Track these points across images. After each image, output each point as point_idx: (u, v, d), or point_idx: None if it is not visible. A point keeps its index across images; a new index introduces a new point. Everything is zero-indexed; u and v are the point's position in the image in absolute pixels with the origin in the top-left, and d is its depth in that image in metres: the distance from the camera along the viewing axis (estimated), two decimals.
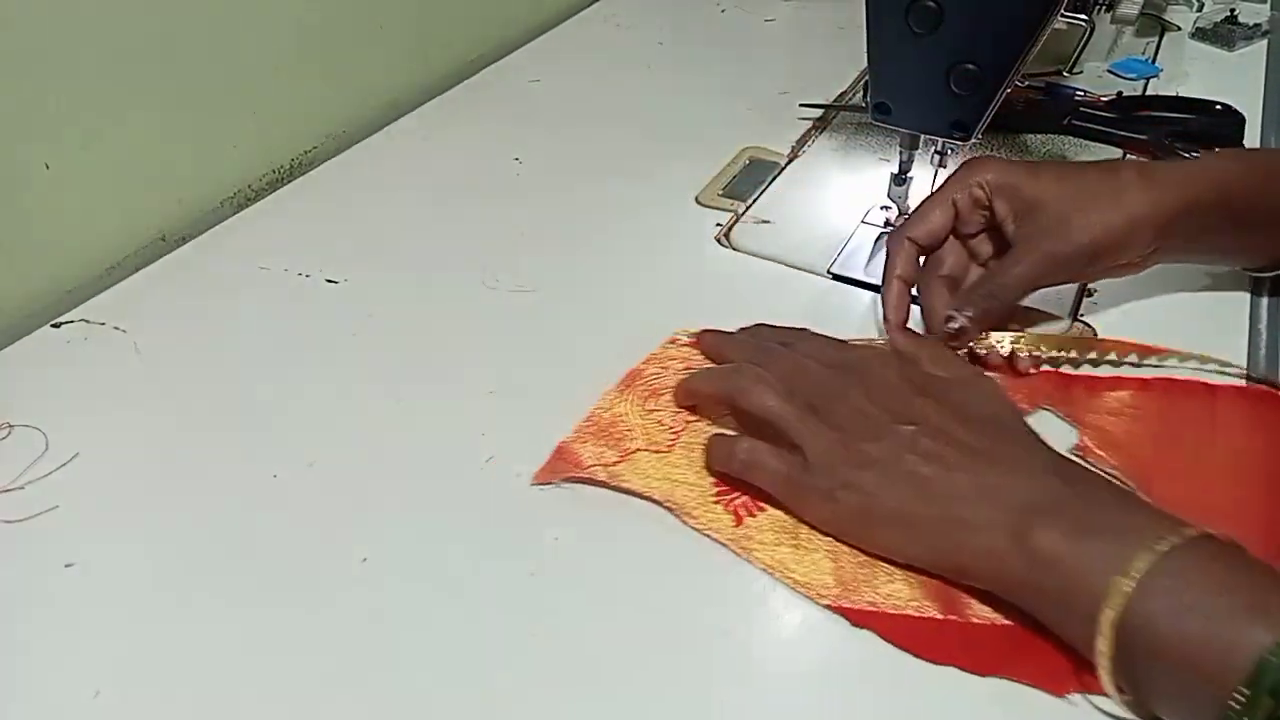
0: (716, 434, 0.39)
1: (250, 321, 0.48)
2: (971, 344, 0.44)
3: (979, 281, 0.45)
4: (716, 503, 0.37)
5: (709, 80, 0.72)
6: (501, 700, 0.31)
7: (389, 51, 0.68)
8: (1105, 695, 0.30)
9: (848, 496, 0.35)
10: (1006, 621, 0.33)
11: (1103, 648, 0.29)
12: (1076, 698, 0.31)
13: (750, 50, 0.78)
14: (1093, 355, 0.44)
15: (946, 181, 0.46)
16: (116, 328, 0.47)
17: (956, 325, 0.43)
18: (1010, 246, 0.44)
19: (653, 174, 0.60)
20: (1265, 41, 0.77)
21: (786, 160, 0.62)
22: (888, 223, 0.55)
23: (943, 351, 0.42)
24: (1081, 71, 0.72)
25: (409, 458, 0.40)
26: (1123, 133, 0.62)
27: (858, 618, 0.33)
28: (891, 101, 0.48)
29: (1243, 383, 0.43)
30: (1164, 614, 0.29)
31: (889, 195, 0.53)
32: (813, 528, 0.36)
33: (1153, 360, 0.44)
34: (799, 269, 0.52)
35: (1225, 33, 0.77)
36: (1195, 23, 0.79)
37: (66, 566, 0.35)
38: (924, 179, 0.53)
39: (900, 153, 0.51)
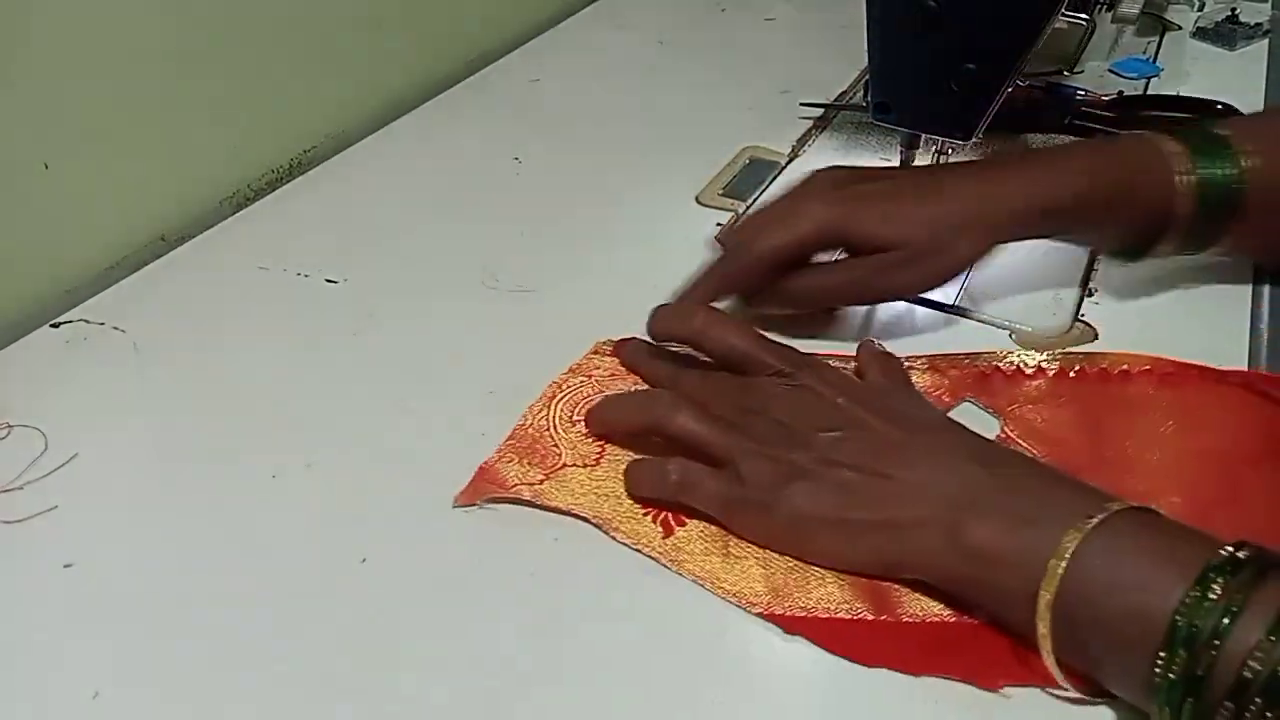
0: (640, 459, 0.39)
1: (250, 321, 0.48)
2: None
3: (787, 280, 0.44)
4: (645, 514, 0.37)
5: (709, 80, 0.72)
6: (502, 700, 0.31)
7: (389, 51, 0.68)
8: (1039, 686, 0.31)
9: (782, 509, 0.35)
10: (939, 618, 0.33)
11: (1043, 630, 0.29)
12: (1014, 690, 0.31)
13: (750, 50, 0.78)
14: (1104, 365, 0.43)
15: (780, 229, 0.43)
16: (116, 328, 0.47)
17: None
18: None
19: (653, 174, 0.60)
20: (1266, 41, 0.77)
21: (787, 160, 0.62)
22: None
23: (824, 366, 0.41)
24: (1082, 71, 0.72)
25: (409, 458, 0.40)
26: (1124, 132, 0.62)
27: (790, 625, 0.33)
28: (892, 101, 0.48)
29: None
30: (1096, 589, 0.29)
31: None
32: (741, 538, 0.36)
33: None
34: None
35: (1226, 32, 0.77)
36: (1196, 22, 0.79)
37: (66, 566, 0.35)
38: None
39: (901, 152, 0.51)
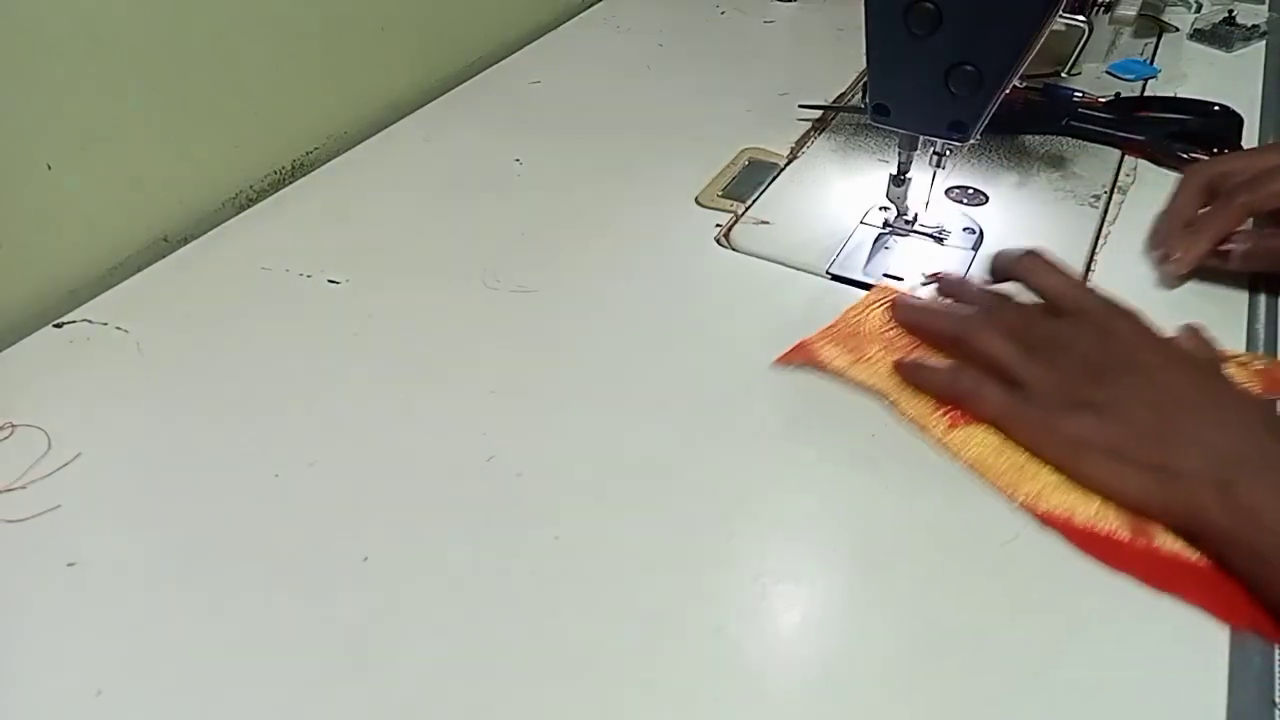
0: (936, 361, 0.43)
1: (252, 322, 0.48)
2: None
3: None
4: (935, 410, 0.41)
5: (709, 81, 0.72)
6: (501, 700, 0.31)
7: (390, 53, 0.69)
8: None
9: (1065, 428, 0.38)
10: (1192, 559, 0.35)
11: None
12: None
13: (750, 51, 0.78)
14: None
15: None
16: (118, 328, 0.47)
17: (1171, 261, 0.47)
18: None
19: (653, 174, 0.60)
20: (1263, 43, 0.77)
21: (786, 161, 0.62)
22: (886, 223, 0.55)
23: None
24: (1080, 72, 0.72)
25: (409, 458, 0.40)
26: (1121, 134, 0.62)
27: (1046, 519, 0.36)
28: (890, 103, 0.48)
29: None
30: None
31: (888, 196, 0.54)
32: (1015, 445, 0.39)
33: None
34: (798, 269, 0.52)
35: (1223, 34, 0.77)
36: (1193, 24, 0.80)
37: (68, 566, 0.35)
38: (922, 180, 0.53)
39: (899, 154, 0.51)
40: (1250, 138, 0.62)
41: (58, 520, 0.37)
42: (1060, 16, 0.64)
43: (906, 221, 0.55)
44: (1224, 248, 0.48)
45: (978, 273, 0.48)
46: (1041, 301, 0.43)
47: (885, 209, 0.56)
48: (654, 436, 0.41)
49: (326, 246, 0.53)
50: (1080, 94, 0.67)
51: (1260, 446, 0.35)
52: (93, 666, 0.32)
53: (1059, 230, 0.54)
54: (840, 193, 0.59)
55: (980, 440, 0.40)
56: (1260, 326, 0.47)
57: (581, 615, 0.34)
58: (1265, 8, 0.82)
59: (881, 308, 0.47)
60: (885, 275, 0.51)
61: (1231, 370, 0.43)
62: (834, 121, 0.67)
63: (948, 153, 0.51)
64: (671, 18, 0.83)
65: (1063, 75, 0.71)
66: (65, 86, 0.49)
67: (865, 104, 0.49)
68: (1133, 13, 0.69)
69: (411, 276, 0.51)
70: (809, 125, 0.66)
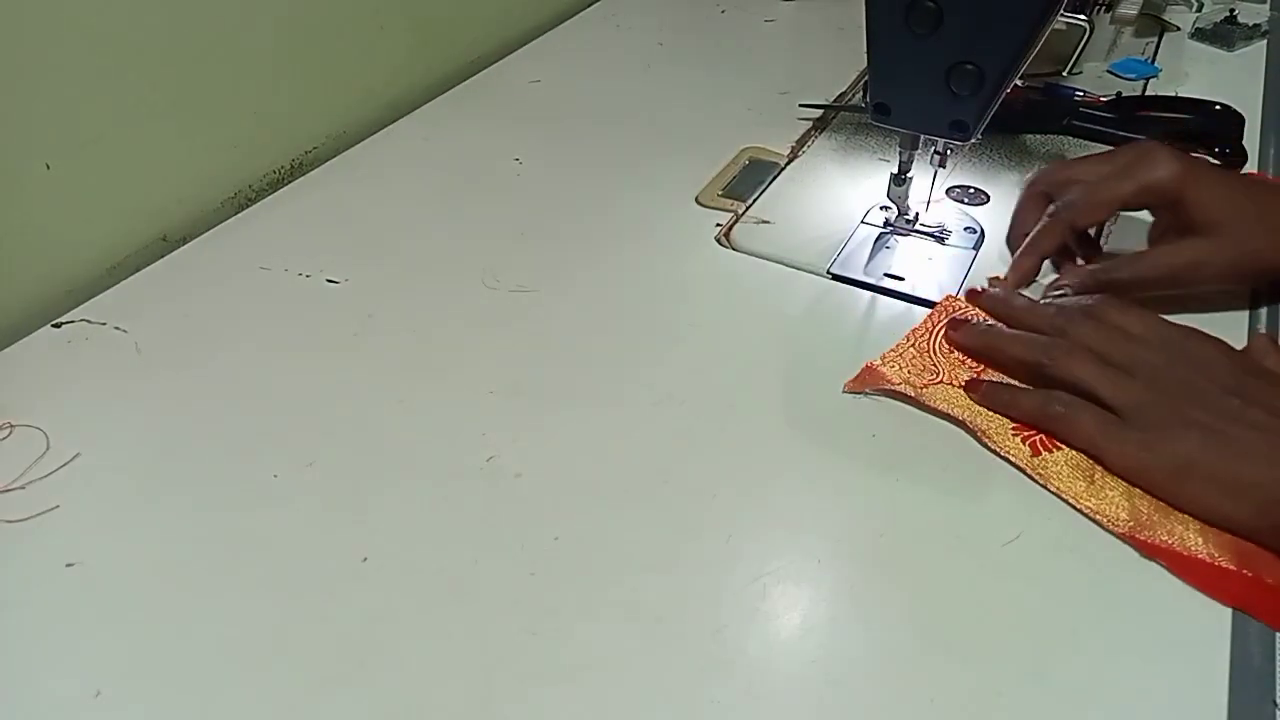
0: (1017, 384, 0.42)
1: (251, 321, 0.48)
2: None
3: (1106, 267, 0.47)
4: (1016, 434, 0.40)
5: (709, 80, 0.72)
6: (501, 700, 0.31)
7: (389, 52, 0.68)
8: None
9: (1168, 449, 0.37)
10: None
11: None
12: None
13: (750, 50, 0.78)
14: None
15: (1115, 171, 0.47)
16: (117, 328, 0.47)
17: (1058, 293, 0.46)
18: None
19: (653, 174, 0.60)
20: (1265, 42, 0.77)
21: (786, 160, 0.62)
22: (887, 223, 0.55)
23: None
24: (1081, 72, 0.72)
25: (409, 458, 0.40)
26: (1122, 133, 0.62)
27: (1149, 550, 0.35)
28: (891, 102, 0.48)
29: None
30: None
31: (889, 195, 0.53)
32: (1108, 470, 0.38)
33: None
34: (799, 269, 0.52)
35: (1225, 33, 0.77)
36: (1195, 23, 0.79)
37: (67, 566, 0.35)
38: (923, 179, 0.53)
39: (900, 153, 0.51)
40: (1252, 137, 0.62)
41: (56, 520, 0.37)
42: (1061, 16, 0.63)
43: (907, 221, 0.55)
44: (1068, 285, 0.47)
45: (1020, 287, 0.48)
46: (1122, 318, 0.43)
47: (886, 208, 0.56)
48: (654, 436, 0.41)
49: (326, 246, 0.53)
50: (1081, 93, 0.67)
51: None
52: (92, 666, 0.32)
53: None
54: (841, 192, 0.59)
55: (1069, 466, 0.39)
56: (1261, 327, 0.47)
57: (581, 615, 0.34)
58: (1267, 7, 0.82)
59: (944, 331, 0.46)
60: (886, 275, 0.51)
61: None
62: (834, 121, 0.67)
63: (949, 152, 0.51)
64: (671, 17, 0.83)
65: (1064, 74, 0.71)
66: (65, 86, 0.49)
67: (866, 103, 0.49)
68: (1134, 12, 0.69)
69: (411, 276, 0.51)
70: (809, 124, 0.66)
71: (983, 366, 0.44)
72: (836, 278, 0.52)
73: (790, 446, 0.41)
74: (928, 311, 0.48)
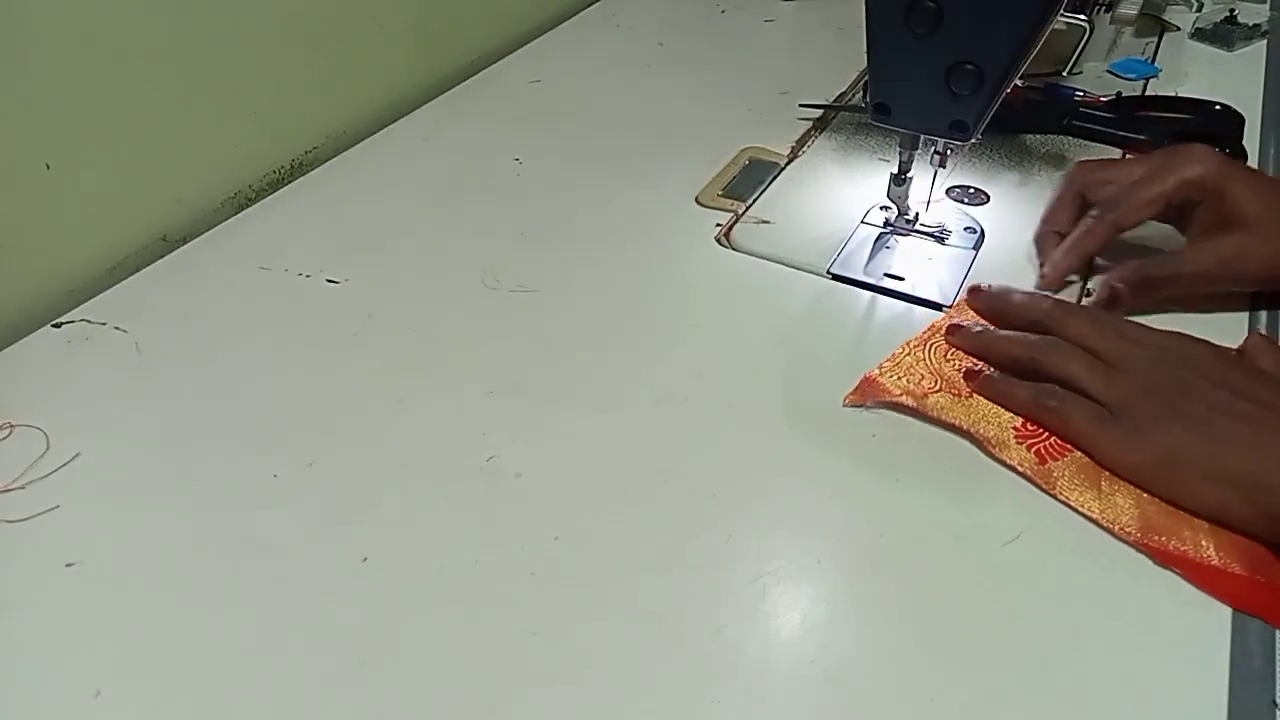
0: (1013, 380, 0.42)
1: (251, 321, 0.48)
2: None
3: (1153, 263, 0.47)
4: (1020, 442, 0.40)
5: (709, 80, 0.72)
6: (501, 700, 0.31)
7: (389, 52, 0.68)
8: None
9: (1155, 442, 0.37)
10: None
11: None
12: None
13: (750, 50, 0.78)
14: None
15: (1154, 169, 0.47)
16: (117, 328, 0.47)
17: (1106, 294, 0.46)
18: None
19: (653, 174, 0.60)
20: (1265, 42, 0.77)
21: (786, 160, 0.62)
22: (887, 223, 0.55)
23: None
24: (1081, 72, 0.72)
25: (409, 458, 0.40)
26: (1122, 133, 0.62)
27: (1162, 558, 0.35)
28: (891, 102, 0.48)
29: None
30: None
31: (889, 195, 0.53)
32: (1114, 475, 0.38)
33: None
34: (799, 269, 0.52)
35: (1225, 33, 0.77)
36: (1195, 23, 0.79)
37: (67, 566, 0.35)
38: (923, 179, 0.53)
39: (900, 153, 0.51)
40: (1252, 137, 0.62)
41: (57, 520, 0.37)
42: (1061, 15, 0.63)
43: (907, 221, 0.55)
44: (1110, 282, 0.47)
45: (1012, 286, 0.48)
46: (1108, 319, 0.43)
47: (886, 208, 0.56)
48: (653, 436, 0.41)
49: (326, 246, 0.53)
50: (1081, 93, 0.67)
51: None
52: (92, 666, 0.32)
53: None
54: (841, 192, 0.59)
55: (1077, 475, 0.39)
56: (1261, 328, 0.47)
57: (581, 615, 0.34)
58: (1266, 7, 0.82)
59: (938, 342, 0.46)
60: (886, 275, 0.51)
61: None
62: (834, 121, 0.67)
63: (949, 152, 0.51)
64: (671, 17, 0.83)
65: (1064, 74, 0.71)
66: (65, 86, 0.49)
67: (866, 103, 0.49)
68: (1134, 12, 0.69)
69: (411, 276, 0.51)
70: (809, 124, 0.66)
71: (980, 367, 0.44)
72: (836, 278, 0.52)
73: (790, 446, 0.41)
74: (927, 312, 0.48)
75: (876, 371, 0.44)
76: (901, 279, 0.51)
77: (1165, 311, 0.47)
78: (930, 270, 0.52)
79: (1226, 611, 0.34)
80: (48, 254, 0.50)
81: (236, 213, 0.56)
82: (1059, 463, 0.39)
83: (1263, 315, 0.48)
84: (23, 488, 0.38)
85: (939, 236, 0.54)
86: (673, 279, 0.51)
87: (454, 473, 0.39)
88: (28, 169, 0.48)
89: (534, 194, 0.58)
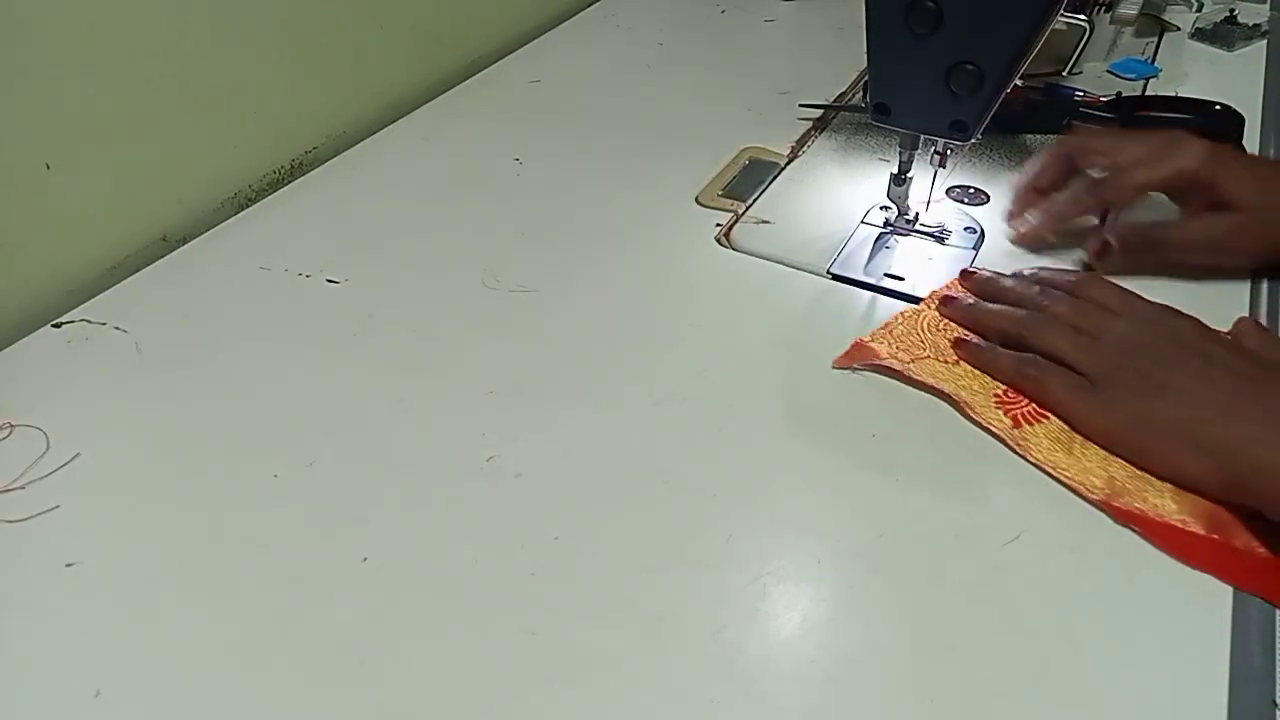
0: (998, 349, 0.44)
1: (251, 322, 0.48)
2: None
3: (1150, 226, 0.49)
4: (999, 407, 0.41)
5: (709, 80, 0.72)
6: (501, 700, 0.31)
7: (389, 52, 0.68)
8: None
9: (1129, 409, 0.39)
10: (1266, 553, 0.35)
11: None
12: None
13: (750, 50, 0.78)
14: None
15: (1147, 155, 0.49)
16: (117, 328, 0.47)
17: (1098, 245, 0.49)
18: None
19: (653, 174, 0.60)
20: (1265, 42, 0.77)
21: (786, 160, 0.62)
22: (887, 223, 0.55)
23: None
24: (1081, 72, 0.72)
25: (409, 458, 0.40)
26: None
27: (1122, 516, 0.37)
28: (891, 102, 0.48)
29: None
30: None
31: (889, 195, 0.53)
32: (1088, 440, 0.40)
33: None
34: (799, 269, 0.52)
35: (1225, 33, 0.77)
36: (1195, 23, 0.79)
37: (67, 566, 0.35)
38: (923, 179, 0.53)
39: (900, 153, 0.51)
40: (1252, 137, 0.62)
41: (57, 520, 0.37)
42: (1061, 16, 0.63)
43: (907, 221, 0.55)
44: (1105, 235, 0.49)
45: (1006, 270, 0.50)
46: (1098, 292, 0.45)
47: (886, 208, 0.56)
48: (654, 436, 0.41)
49: (326, 246, 0.53)
50: (1081, 93, 0.67)
51: None
52: (92, 666, 0.32)
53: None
54: (841, 192, 0.59)
55: (1049, 439, 0.40)
56: (1262, 312, 0.48)
57: (581, 615, 0.34)
58: (1266, 7, 0.82)
59: (934, 309, 0.48)
60: (886, 275, 0.51)
61: None
62: (834, 121, 0.67)
63: (949, 152, 0.51)
64: (671, 16, 0.83)
65: (1064, 74, 0.71)
66: (65, 86, 0.49)
67: (866, 103, 0.49)
68: (1134, 12, 0.69)
69: (411, 276, 0.51)
70: (809, 124, 0.66)
71: (969, 337, 0.46)
72: (836, 278, 0.51)
73: (790, 446, 0.41)
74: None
75: (867, 337, 0.45)
76: (902, 279, 0.51)
77: (1166, 277, 0.48)
78: (930, 270, 0.52)
79: (1227, 612, 0.34)
80: (48, 254, 0.50)
81: (236, 213, 0.56)
82: (1034, 428, 0.40)
83: (1264, 285, 0.49)
84: (23, 488, 0.38)
85: (939, 236, 0.54)
86: (673, 279, 0.51)
87: (454, 473, 0.39)
88: (28, 169, 0.48)
89: (534, 194, 0.58)
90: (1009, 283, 0.47)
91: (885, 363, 0.43)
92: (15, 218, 0.48)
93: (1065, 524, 0.37)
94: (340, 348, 0.46)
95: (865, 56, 0.47)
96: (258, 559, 0.36)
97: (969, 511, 0.38)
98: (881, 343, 0.45)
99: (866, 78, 0.48)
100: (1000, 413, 0.41)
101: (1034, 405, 0.41)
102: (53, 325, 0.47)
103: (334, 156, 0.62)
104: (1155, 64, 0.74)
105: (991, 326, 0.45)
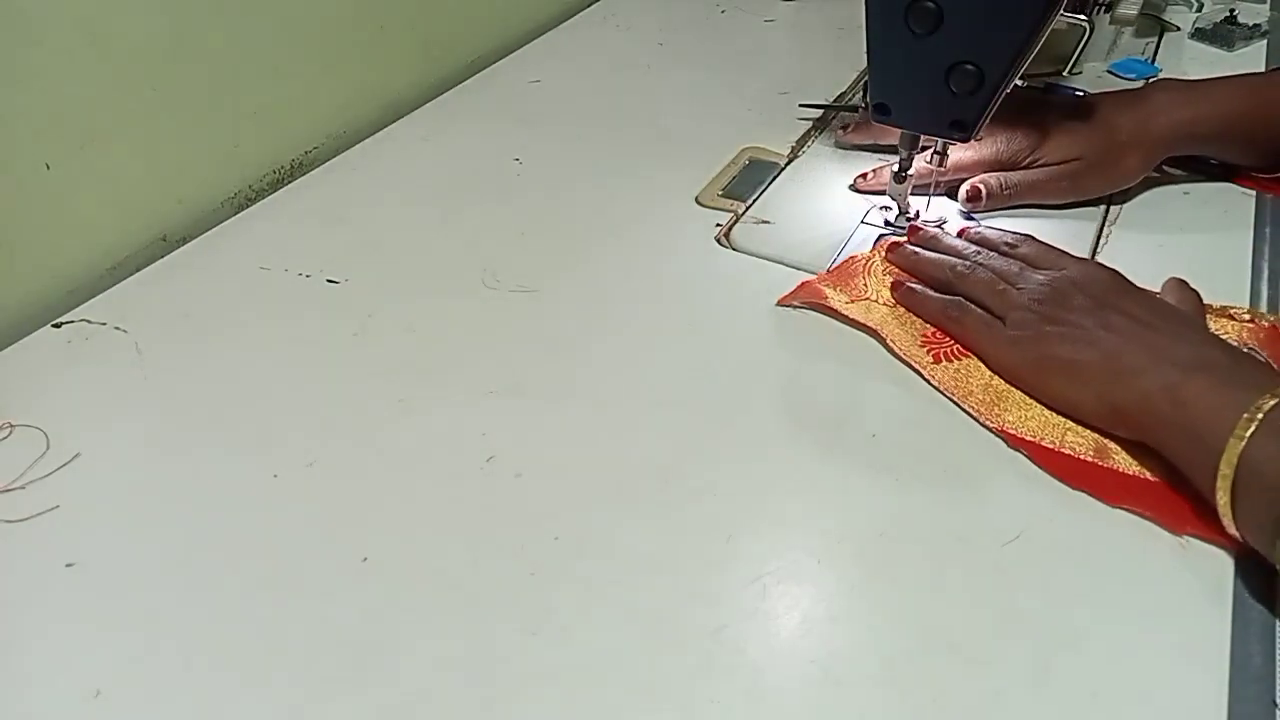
0: (931, 293, 0.48)
1: (251, 321, 0.48)
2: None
3: (1013, 174, 0.55)
4: (923, 346, 0.45)
5: (709, 80, 0.72)
6: (501, 700, 0.31)
7: (389, 52, 0.68)
8: (1214, 541, 0.36)
9: (1031, 345, 0.42)
10: (1140, 474, 0.39)
11: (1225, 471, 0.34)
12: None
13: (750, 50, 0.78)
14: None
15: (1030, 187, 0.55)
16: (117, 328, 0.47)
17: (971, 190, 0.55)
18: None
19: (653, 174, 0.60)
20: (1264, 42, 0.77)
21: (786, 160, 0.62)
22: (887, 223, 0.55)
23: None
24: (1081, 72, 0.72)
25: (409, 458, 0.40)
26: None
27: (1015, 441, 0.40)
28: (891, 102, 0.48)
29: None
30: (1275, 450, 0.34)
31: (889, 195, 0.53)
32: (996, 374, 0.44)
33: None
34: (799, 269, 0.52)
35: (1225, 33, 0.77)
36: (1195, 23, 0.79)
37: (67, 566, 0.35)
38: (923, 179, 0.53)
39: (900, 153, 0.51)
40: None
41: (57, 520, 0.37)
42: (1061, 15, 0.63)
43: (907, 220, 0.55)
44: (976, 183, 0.55)
45: (951, 228, 0.54)
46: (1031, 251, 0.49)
47: (886, 208, 0.56)
48: (654, 436, 0.41)
49: (326, 246, 0.53)
50: (1081, 93, 0.67)
51: (1207, 355, 0.39)
52: (92, 666, 0.32)
53: (1059, 229, 0.54)
54: (841, 192, 0.59)
55: (963, 373, 0.44)
56: (1264, 285, 0.48)
57: (581, 616, 0.34)
58: (1266, 7, 0.82)
59: (881, 255, 0.51)
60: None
61: (1220, 323, 0.46)
62: (835, 120, 0.67)
63: (948, 152, 0.51)
64: (671, 16, 0.83)
65: (1064, 74, 0.71)
66: (65, 86, 0.49)
67: (866, 103, 0.49)
68: (1134, 12, 0.69)
69: (411, 276, 0.51)
70: (809, 124, 0.66)
71: (906, 280, 0.49)
72: None
73: (790, 446, 0.41)
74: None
75: (815, 279, 0.50)
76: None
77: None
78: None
79: (1227, 612, 0.34)
80: (48, 254, 0.50)
81: (236, 213, 0.56)
82: (952, 364, 0.44)
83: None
84: (23, 488, 0.38)
85: None
86: (673, 279, 0.51)
87: (454, 473, 0.39)
88: (28, 169, 0.48)
89: (534, 194, 0.58)
90: (949, 240, 0.51)
91: (826, 303, 0.47)
92: (15, 218, 0.48)
93: (1065, 524, 0.37)
94: (340, 348, 0.46)
95: (865, 56, 0.47)
96: (257, 559, 0.36)
97: (969, 511, 0.38)
98: (828, 284, 0.49)
99: (866, 78, 0.48)
100: (923, 351, 0.45)
101: (957, 345, 0.45)
102: (53, 325, 0.47)
103: (334, 156, 0.62)
104: (1155, 64, 0.74)
105: (927, 274, 0.49)
